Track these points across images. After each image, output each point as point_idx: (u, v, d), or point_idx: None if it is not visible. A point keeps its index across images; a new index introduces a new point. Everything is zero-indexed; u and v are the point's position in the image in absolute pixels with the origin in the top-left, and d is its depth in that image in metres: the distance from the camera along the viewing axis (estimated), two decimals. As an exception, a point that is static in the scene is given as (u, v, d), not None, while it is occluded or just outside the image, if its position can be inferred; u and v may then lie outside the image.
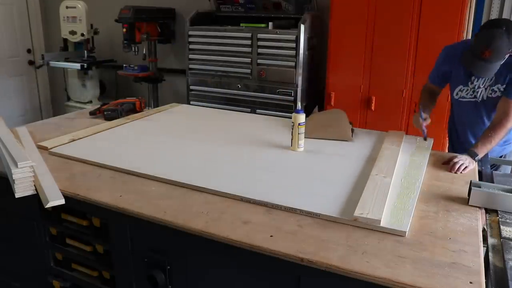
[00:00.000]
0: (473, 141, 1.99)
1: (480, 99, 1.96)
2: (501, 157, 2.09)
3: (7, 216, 1.71)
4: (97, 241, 1.48)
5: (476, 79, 1.93)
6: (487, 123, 1.97)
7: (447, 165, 1.72)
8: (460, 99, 2.03)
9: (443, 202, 1.38)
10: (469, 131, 2.09)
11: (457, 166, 1.67)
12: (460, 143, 2.14)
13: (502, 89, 1.88)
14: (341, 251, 1.08)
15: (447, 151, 2.43)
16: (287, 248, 1.09)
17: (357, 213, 1.22)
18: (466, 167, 1.67)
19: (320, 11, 3.49)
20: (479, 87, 1.94)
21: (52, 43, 5.01)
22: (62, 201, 1.35)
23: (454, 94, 2.04)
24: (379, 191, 1.37)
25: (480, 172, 1.72)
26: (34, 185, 1.44)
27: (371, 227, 1.19)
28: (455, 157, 1.73)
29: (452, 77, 2.03)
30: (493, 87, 1.92)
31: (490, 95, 1.93)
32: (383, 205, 1.27)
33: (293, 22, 3.40)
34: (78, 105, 4.47)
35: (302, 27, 3.13)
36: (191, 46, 3.63)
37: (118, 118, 2.28)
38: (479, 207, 1.35)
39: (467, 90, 1.98)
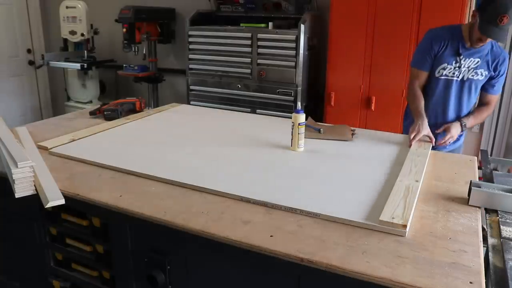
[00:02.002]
0: (441, 119, 2.16)
1: (460, 78, 2.07)
2: (451, 151, 2.18)
3: (7, 216, 1.71)
4: (97, 241, 1.48)
5: (464, 59, 2.03)
6: (459, 102, 2.13)
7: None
8: (440, 77, 2.10)
9: (443, 202, 1.38)
10: (440, 109, 2.17)
11: (450, 141, 1.92)
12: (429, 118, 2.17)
13: (484, 75, 2.05)
14: (341, 251, 1.08)
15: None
16: (287, 248, 1.09)
17: (386, 218, 1.20)
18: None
19: (320, 11, 3.49)
20: (463, 67, 2.04)
21: (52, 43, 5.01)
22: (62, 201, 1.35)
23: (436, 72, 2.09)
24: (397, 194, 1.37)
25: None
26: (34, 185, 1.44)
27: (371, 227, 1.19)
28: (451, 131, 1.97)
29: (440, 60, 2.08)
30: (477, 70, 2.05)
31: (472, 77, 2.06)
32: (406, 208, 1.27)
33: (293, 22, 3.40)
34: (78, 105, 4.47)
35: (302, 27, 3.13)
36: (191, 46, 3.64)
37: (118, 118, 2.28)
38: (478, 207, 1.35)
39: (450, 68, 2.06)
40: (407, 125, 2.15)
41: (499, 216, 1.33)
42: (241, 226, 1.20)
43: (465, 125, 2.07)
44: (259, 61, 3.35)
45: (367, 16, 2.98)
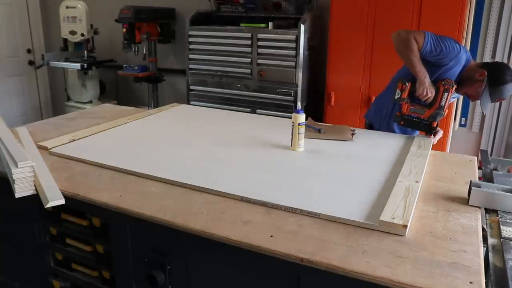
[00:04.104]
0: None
1: None
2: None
3: (7, 216, 1.71)
4: (97, 241, 1.48)
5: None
6: None
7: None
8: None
9: (443, 202, 1.38)
10: None
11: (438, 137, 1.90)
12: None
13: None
14: (341, 251, 1.08)
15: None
16: (287, 248, 1.09)
17: (386, 218, 1.20)
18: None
19: (320, 11, 3.49)
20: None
21: (52, 43, 5.01)
22: (62, 201, 1.35)
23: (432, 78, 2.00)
24: (397, 194, 1.37)
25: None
26: (34, 185, 1.44)
27: (372, 227, 1.19)
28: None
29: (438, 74, 1.96)
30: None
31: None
32: (406, 208, 1.27)
33: (293, 22, 3.40)
34: (78, 105, 4.47)
35: (302, 27, 3.13)
36: (191, 46, 3.64)
37: None
38: (478, 207, 1.35)
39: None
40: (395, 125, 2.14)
41: (499, 216, 1.33)
42: (241, 226, 1.20)
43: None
44: (259, 61, 3.35)
45: (367, 16, 2.98)
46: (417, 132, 2.14)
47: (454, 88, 1.90)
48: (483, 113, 2.17)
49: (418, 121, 1.99)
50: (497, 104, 3.17)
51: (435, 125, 1.97)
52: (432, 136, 1.99)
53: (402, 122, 2.03)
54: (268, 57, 3.32)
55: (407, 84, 1.96)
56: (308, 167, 1.66)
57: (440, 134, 2.00)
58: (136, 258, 1.38)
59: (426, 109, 1.96)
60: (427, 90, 1.91)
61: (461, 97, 3.17)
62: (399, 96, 1.98)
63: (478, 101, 2.00)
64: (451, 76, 1.96)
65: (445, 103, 1.92)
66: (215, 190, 1.40)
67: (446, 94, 1.90)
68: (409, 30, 2.00)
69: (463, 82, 1.98)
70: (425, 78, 1.91)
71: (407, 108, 1.99)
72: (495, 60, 3.05)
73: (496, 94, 1.91)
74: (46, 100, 5.21)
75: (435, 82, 1.94)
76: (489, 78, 1.90)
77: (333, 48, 3.15)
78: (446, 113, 1.97)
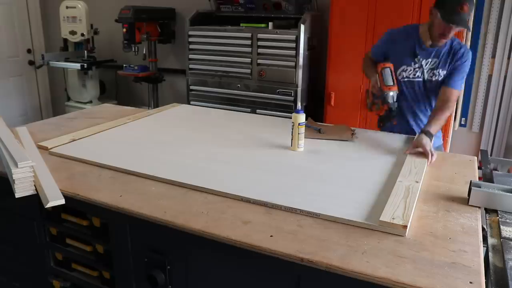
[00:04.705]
0: (412, 122, 2.15)
1: (422, 79, 2.05)
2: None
3: (7, 216, 1.71)
4: (97, 241, 1.48)
5: (421, 59, 2.02)
6: (429, 103, 2.11)
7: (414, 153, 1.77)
8: (402, 80, 2.07)
9: (443, 202, 1.38)
10: (409, 112, 2.14)
11: (434, 159, 1.74)
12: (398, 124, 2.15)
13: (442, 75, 2.01)
14: (341, 251, 1.08)
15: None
16: (287, 248, 1.09)
17: (386, 218, 1.20)
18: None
19: (320, 11, 3.49)
20: (425, 66, 2.03)
21: (52, 43, 5.01)
22: (62, 201, 1.35)
23: (398, 75, 2.06)
24: (397, 194, 1.37)
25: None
26: (34, 185, 1.44)
27: (372, 227, 1.19)
28: (424, 146, 1.76)
29: (393, 58, 2.05)
30: (434, 71, 2.02)
31: (430, 78, 2.04)
32: (406, 208, 1.27)
33: (293, 22, 3.40)
34: (78, 105, 4.47)
35: (302, 27, 3.13)
36: (191, 46, 3.63)
37: None
38: (478, 207, 1.35)
39: (411, 70, 2.04)
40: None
41: (499, 216, 1.33)
42: (241, 226, 1.20)
43: (429, 132, 1.83)
44: (259, 61, 3.35)
45: (367, 16, 2.98)
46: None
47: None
48: (469, 29, 2.09)
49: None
50: (497, 104, 3.17)
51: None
52: (427, 160, 1.72)
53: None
54: (268, 57, 3.32)
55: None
56: (308, 167, 1.66)
57: (434, 157, 1.74)
58: (136, 258, 1.38)
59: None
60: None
61: (461, 97, 3.18)
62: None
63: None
64: (404, 52, 2.04)
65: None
66: (215, 190, 1.40)
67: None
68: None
69: (431, 33, 1.96)
70: (372, 75, 2.03)
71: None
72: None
73: (452, 5, 1.81)
74: (46, 100, 5.21)
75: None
76: (436, 6, 1.88)
77: (333, 48, 3.15)
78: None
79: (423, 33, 2.02)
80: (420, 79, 2.04)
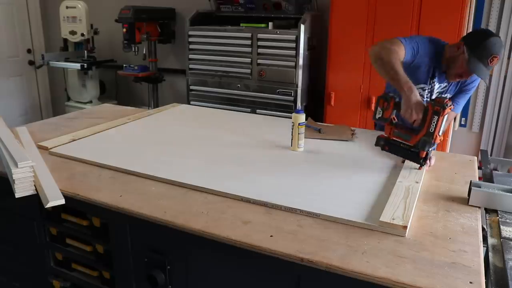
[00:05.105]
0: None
1: (426, 100, 1.92)
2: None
3: (7, 216, 1.71)
4: (97, 241, 1.48)
5: (435, 82, 1.92)
6: None
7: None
8: None
9: (443, 202, 1.38)
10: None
11: (432, 162, 1.62)
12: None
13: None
14: (341, 251, 1.08)
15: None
16: (287, 248, 1.09)
17: (386, 219, 1.19)
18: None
19: (320, 11, 3.49)
20: (434, 91, 1.95)
21: (52, 43, 5.01)
22: (62, 201, 1.35)
23: None
24: (397, 195, 1.37)
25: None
26: (34, 185, 1.44)
27: (372, 227, 1.19)
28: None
29: (416, 72, 1.86)
30: (442, 94, 1.96)
31: None
32: (406, 209, 1.27)
33: (293, 22, 3.40)
34: (78, 105, 4.47)
35: (302, 27, 3.13)
36: (191, 46, 3.64)
37: None
38: (478, 207, 1.35)
39: (424, 88, 1.94)
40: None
41: (499, 216, 1.33)
42: (241, 226, 1.20)
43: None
44: (259, 61, 3.35)
45: (367, 16, 2.98)
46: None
47: (447, 110, 1.46)
48: (486, 85, 1.96)
49: (405, 147, 1.58)
50: (497, 104, 3.17)
51: (424, 155, 1.54)
52: (423, 168, 1.59)
53: (386, 148, 1.63)
54: (268, 57, 3.32)
55: (389, 101, 1.58)
56: (308, 167, 1.66)
57: (433, 161, 1.62)
58: (136, 258, 1.38)
59: (413, 135, 1.54)
60: (413, 111, 1.50)
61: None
62: (380, 115, 1.60)
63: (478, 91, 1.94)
64: (425, 70, 1.85)
65: (435, 128, 1.47)
66: (215, 190, 1.40)
67: (436, 117, 1.45)
68: (379, 42, 1.80)
69: (450, 66, 1.85)
70: (411, 94, 1.51)
71: (390, 130, 1.61)
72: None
73: (483, 54, 1.72)
74: (46, 100, 5.21)
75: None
76: (467, 45, 1.76)
77: (333, 48, 3.15)
78: (438, 140, 1.51)
79: (444, 58, 1.88)
80: (426, 99, 1.94)
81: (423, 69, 1.89)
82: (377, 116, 1.62)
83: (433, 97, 1.95)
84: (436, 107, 1.46)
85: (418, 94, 1.53)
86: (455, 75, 1.85)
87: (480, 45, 1.74)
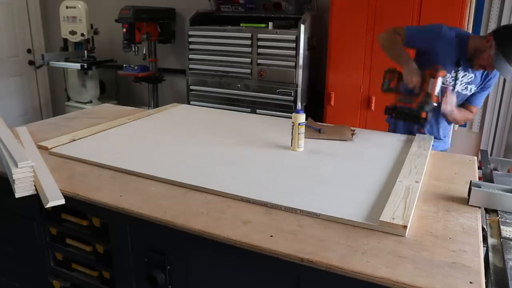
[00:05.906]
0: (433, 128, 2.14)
1: (452, 89, 1.99)
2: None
3: (7, 216, 1.71)
4: (97, 241, 1.48)
5: (461, 72, 1.97)
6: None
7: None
8: None
9: (443, 202, 1.38)
10: (433, 119, 2.09)
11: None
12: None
13: (473, 91, 2.02)
14: (341, 251, 1.08)
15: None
16: (287, 248, 1.09)
17: (386, 219, 1.20)
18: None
19: (320, 11, 3.49)
20: (459, 79, 1.99)
21: (52, 43, 5.02)
22: (62, 201, 1.35)
23: None
24: (397, 194, 1.37)
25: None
26: (34, 185, 1.44)
27: (372, 227, 1.19)
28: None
29: (430, 56, 1.95)
30: (468, 85, 2.00)
31: (461, 91, 2.01)
32: (406, 208, 1.27)
33: (293, 22, 3.40)
34: (78, 105, 4.47)
35: (302, 27, 3.13)
36: (191, 46, 3.64)
37: None
38: (478, 207, 1.35)
39: (448, 77, 1.97)
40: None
41: (499, 216, 1.33)
42: (241, 226, 1.20)
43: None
44: (259, 61, 3.35)
45: (367, 16, 2.98)
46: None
47: (440, 73, 1.79)
48: (504, 79, 2.07)
49: (409, 112, 1.89)
50: (497, 104, 3.17)
51: (424, 116, 1.84)
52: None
53: (394, 114, 1.96)
54: (268, 57, 3.32)
55: (395, 73, 1.91)
56: (308, 167, 1.66)
57: (450, 105, 1.87)
58: (136, 258, 1.38)
59: (414, 98, 1.86)
60: (412, 76, 1.83)
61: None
62: (387, 86, 1.93)
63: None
64: (447, 57, 1.92)
65: (432, 89, 1.80)
66: (215, 190, 1.40)
67: (432, 79, 1.79)
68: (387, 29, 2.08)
69: (474, 56, 1.90)
70: (409, 63, 1.86)
71: (396, 97, 1.93)
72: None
73: (511, 53, 1.76)
74: (46, 100, 5.21)
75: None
76: (496, 41, 1.78)
77: (333, 48, 3.15)
78: (436, 101, 1.83)
79: (470, 47, 1.93)
80: (451, 88, 1.98)
81: (447, 56, 1.94)
82: (385, 87, 1.96)
83: (459, 86, 1.99)
84: (431, 71, 1.80)
85: (415, 64, 1.85)
86: (478, 65, 1.92)
87: (509, 42, 1.77)
